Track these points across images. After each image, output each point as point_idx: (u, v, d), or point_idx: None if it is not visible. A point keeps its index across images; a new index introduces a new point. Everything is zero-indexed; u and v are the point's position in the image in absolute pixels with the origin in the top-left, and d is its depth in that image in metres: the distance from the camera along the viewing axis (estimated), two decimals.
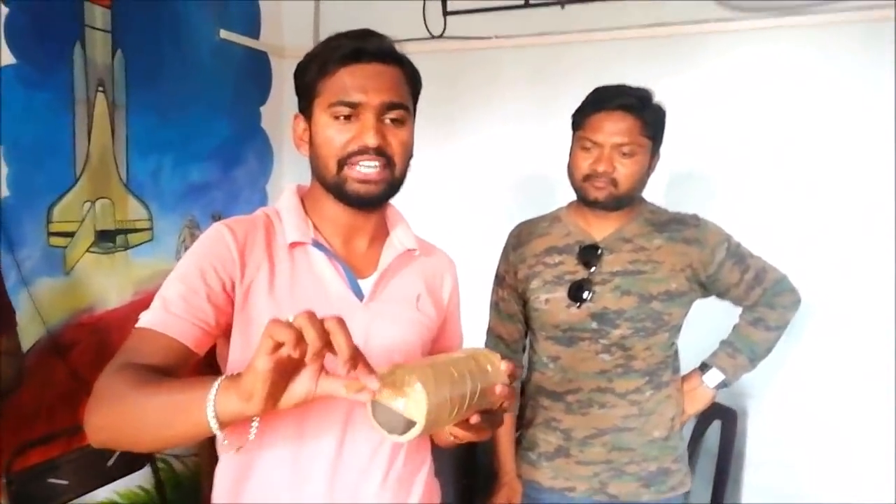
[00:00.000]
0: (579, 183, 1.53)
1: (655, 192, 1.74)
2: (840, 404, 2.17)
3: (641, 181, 1.53)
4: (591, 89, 1.57)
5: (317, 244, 1.06)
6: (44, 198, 2.04)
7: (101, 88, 2.19)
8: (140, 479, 2.24)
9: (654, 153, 1.54)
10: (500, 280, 1.70)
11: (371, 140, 0.99)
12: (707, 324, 1.68)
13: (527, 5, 2.55)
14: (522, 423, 1.70)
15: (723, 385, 1.66)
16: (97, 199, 2.20)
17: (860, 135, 2.12)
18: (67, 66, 2.08)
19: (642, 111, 1.48)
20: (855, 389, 2.15)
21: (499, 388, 0.86)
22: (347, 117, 1.01)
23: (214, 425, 0.77)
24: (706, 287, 1.59)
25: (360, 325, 1.02)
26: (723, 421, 2.15)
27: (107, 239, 2.24)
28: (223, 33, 2.62)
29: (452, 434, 0.93)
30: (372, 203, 1.06)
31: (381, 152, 1.01)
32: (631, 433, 1.57)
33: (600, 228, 1.57)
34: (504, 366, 0.90)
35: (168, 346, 0.93)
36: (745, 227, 1.74)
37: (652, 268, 1.53)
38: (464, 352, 0.91)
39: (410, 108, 1.07)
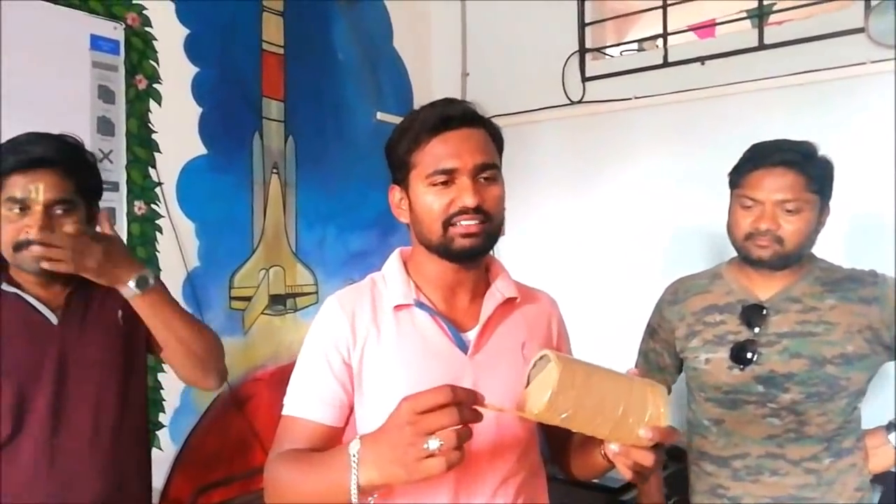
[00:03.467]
0: (741, 242, 1.48)
1: (832, 245, 1.65)
2: None
3: (809, 238, 1.45)
4: (733, 144, 1.54)
5: (419, 304, 1.13)
6: (226, 267, 2.35)
7: (275, 171, 2.51)
8: None
9: (823, 209, 1.46)
10: (651, 331, 1.68)
11: (469, 201, 1.07)
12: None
13: (666, 64, 2.58)
14: (686, 490, 1.63)
15: None
16: (271, 266, 2.48)
17: None
18: (248, 153, 2.42)
19: (805, 166, 1.41)
20: None
21: (642, 431, 0.88)
22: (445, 183, 1.09)
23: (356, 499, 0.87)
24: (893, 349, 1.46)
25: (467, 378, 1.08)
26: (885, 487, 1.91)
27: (278, 302, 2.51)
28: (379, 115, 2.90)
29: (606, 456, 0.94)
30: (476, 255, 1.12)
31: (479, 210, 1.08)
32: None
33: (765, 287, 1.51)
34: (664, 407, 0.90)
35: (312, 430, 1.06)
36: None
37: (825, 329, 1.43)
38: (628, 376, 0.92)
39: (499, 165, 1.14)
